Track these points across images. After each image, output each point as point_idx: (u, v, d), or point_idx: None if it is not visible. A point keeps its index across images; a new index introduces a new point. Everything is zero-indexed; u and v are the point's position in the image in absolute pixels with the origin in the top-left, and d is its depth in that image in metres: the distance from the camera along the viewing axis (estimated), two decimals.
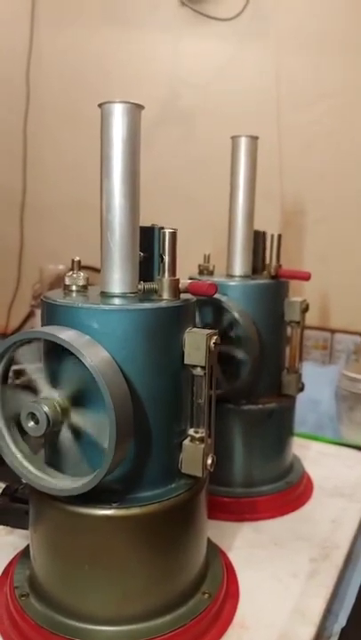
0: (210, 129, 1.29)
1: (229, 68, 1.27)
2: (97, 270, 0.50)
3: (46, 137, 1.51)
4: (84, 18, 1.42)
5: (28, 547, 0.54)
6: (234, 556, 0.60)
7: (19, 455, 0.45)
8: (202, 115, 1.31)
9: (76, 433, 0.44)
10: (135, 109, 0.46)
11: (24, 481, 0.48)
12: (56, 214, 1.54)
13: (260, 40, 1.22)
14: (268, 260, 0.74)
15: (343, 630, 0.55)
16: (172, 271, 0.47)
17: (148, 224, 0.51)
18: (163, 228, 0.48)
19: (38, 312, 1.36)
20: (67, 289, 0.49)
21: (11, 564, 0.56)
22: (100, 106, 0.46)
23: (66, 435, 0.44)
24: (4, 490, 0.60)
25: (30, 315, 1.46)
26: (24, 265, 1.58)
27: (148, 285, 0.48)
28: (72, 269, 0.50)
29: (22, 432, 0.45)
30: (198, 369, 0.47)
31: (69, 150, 1.48)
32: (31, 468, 0.45)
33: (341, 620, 0.55)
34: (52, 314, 0.46)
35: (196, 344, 0.46)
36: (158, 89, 1.33)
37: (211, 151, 1.21)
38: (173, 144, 1.34)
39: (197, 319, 0.59)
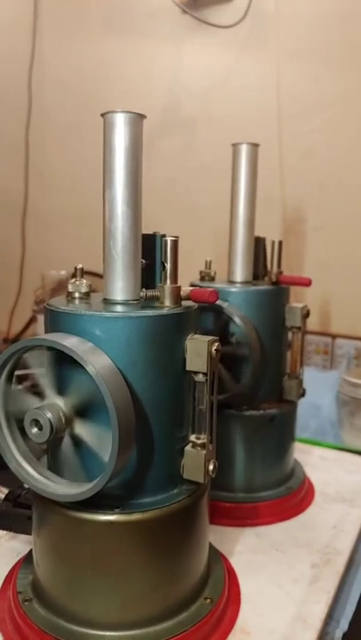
0: (211, 136, 1.30)
1: (230, 75, 1.28)
2: (98, 276, 0.50)
3: (48, 144, 1.53)
4: (86, 26, 1.43)
5: (30, 552, 0.54)
6: (235, 562, 0.60)
7: (22, 460, 0.46)
8: (203, 122, 1.32)
9: (79, 439, 0.44)
10: (138, 119, 0.46)
11: (27, 486, 0.48)
12: (58, 220, 1.55)
13: (260, 48, 1.23)
14: (269, 267, 0.75)
15: (345, 636, 0.55)
16: (174, 278, 0.48)
17: (149, 231, 0.51)
18: (164, 235, 0.49)
19: (40, 317, 1.37)
20: (70, 296, 0.49)
21: (14, 569, 0.56)
22: (102, 115, 0.46)
23: (69, 441, 0.45)
24: (7, 495, 0.60)
25: (32, 320, 1.47)
26: (26, 270, 1.59)
27: (150, 292, 0.48)
28: (75, 276, 0.50)
29: (26, 437, 0.45)
30: (200, 375, 0.47)
31: (70, 157, 1.49)
32: (34, 473, 0.46)
33: (343, 626, 0.56)
34: (55, 321, 0.46)
35: (198, 350, 0.46)
36: (160, 96, 1.34)
37: (212, 158, 1.23)
38: (175, 151, 1.34)
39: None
